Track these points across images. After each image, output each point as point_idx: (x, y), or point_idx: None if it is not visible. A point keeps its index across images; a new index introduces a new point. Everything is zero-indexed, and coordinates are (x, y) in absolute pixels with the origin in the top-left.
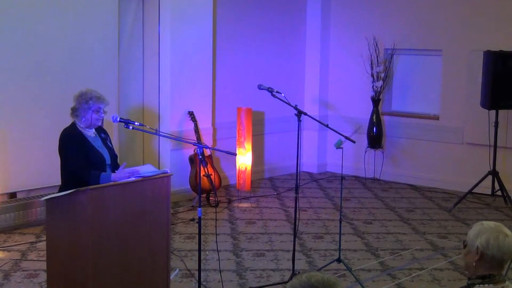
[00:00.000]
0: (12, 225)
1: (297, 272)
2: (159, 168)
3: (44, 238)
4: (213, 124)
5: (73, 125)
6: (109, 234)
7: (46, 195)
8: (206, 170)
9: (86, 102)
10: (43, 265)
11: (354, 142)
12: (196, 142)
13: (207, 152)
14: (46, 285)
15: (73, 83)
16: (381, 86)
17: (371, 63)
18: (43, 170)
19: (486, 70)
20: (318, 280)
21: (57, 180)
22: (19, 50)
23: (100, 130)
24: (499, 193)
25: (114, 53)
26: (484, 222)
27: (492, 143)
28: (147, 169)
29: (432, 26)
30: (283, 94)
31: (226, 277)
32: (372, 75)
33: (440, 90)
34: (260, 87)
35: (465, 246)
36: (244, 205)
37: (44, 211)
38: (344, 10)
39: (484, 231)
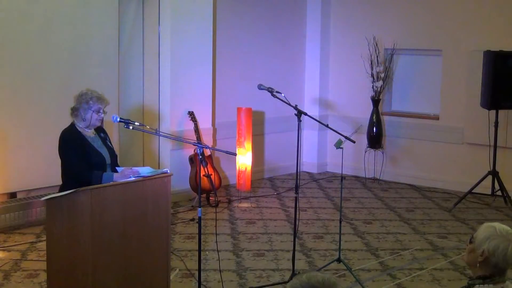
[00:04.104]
0: (12, 225)
1: (297, 272)
2: (159, 168)
3: (44, 238)
4: (213, 124)
5: (72, 125)
6: (109, 234)
7: (46, 195)
8: (206, 170)
9: (86, 102)
10: (43, 265)
11: (354, 142)
12: (196, 142)
13: (207, 152)
14: (46, 285)
15: (73, 83)
16: (381, 86)
17: (371, 63)
18: (43, 170)
19: (486, 70)
20: (318, 280)
21: (57, 180)
22: (19, 50)
23: (99, 130)
24: (499, 193)
25: (114, 53)
26: (497, 226)
27: (492, 143)
28: (146, 171)
29: (432, 26)
30: (283, 94)
31: (226, 277)
32: (372, 75)
33: (440, 90)
34: (260, 87)
35: (471, 242)
36: (244, 205)
37: (44, 211)
38: (344, 10)
39: (495, 236)
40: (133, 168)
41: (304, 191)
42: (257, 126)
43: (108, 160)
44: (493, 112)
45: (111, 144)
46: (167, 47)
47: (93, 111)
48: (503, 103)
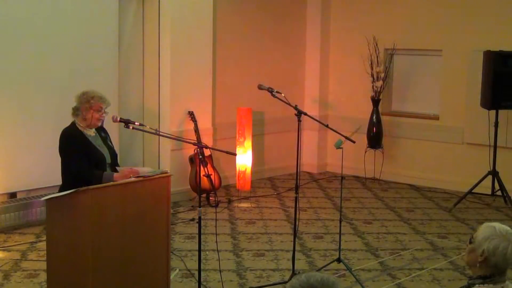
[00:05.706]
0: (12, 225)
1: (297, 272)
2: (159, 168)
3: (44, 238)
4: (213, 124)
5: (73, 124)
6: (109, 234)
7: (46, 195)
8: (206, 170)
9: (87, 101)
10: (43, 265)
11: (354, 142)
12: (196, 142)
13: (207, 152)
14: (46, 285)
15: (74, 83)
16: (381, 86)
17: (371, 63)
18: (43, 170)
19: (486, 70)
20: (317, 280)
21: (57, 180)
22: (19, 51)
23: (100, 129)
24: (499, 193)
25: (114, 53)
26: (496, 225)
27: (492, 143)
28: (146, 171)
29: (432, 26)
30: (283, 94)
31: (226, 277)
32: (372, 75)
33: (440, 90)
34: (260, 87)
35: (471, 242)
36: (244, 205)
37: (44, 211)
38: (344, 10)
39: (494, 236)
40: (133, 168)
41: (304, 191)
42: (257, 126)
43: (108, 159)
44: (493, 112)
45: (112, 144)
46: (167, 47)
47: (94, 110)
48: (503, 103)
